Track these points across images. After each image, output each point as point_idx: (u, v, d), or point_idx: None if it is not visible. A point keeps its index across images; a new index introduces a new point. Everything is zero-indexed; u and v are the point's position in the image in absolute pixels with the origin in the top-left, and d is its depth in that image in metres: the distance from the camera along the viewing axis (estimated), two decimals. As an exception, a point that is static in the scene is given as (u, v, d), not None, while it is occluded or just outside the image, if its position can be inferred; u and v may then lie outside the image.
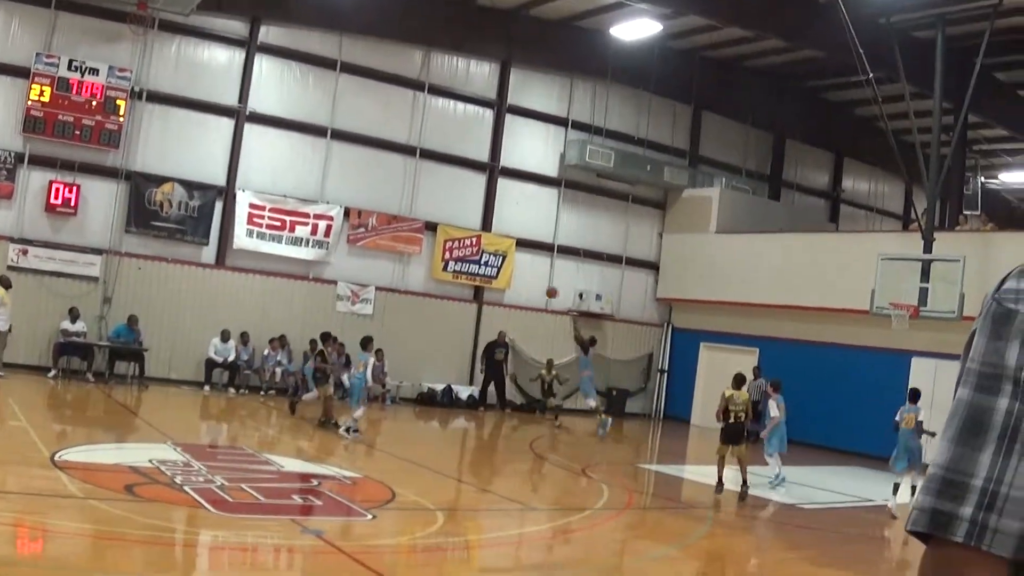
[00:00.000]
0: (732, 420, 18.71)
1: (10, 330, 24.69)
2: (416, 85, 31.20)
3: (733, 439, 18.72)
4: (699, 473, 21.05)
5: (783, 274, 31.33)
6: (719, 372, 31.93)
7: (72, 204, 27.05)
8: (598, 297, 33.63)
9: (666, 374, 35.54)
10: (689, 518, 17.15)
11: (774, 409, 20.52)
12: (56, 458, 14.48)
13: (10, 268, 26.20)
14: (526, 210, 33.18)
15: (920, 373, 27.28)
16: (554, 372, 29.55)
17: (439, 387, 30.69)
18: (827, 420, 29.36)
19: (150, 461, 14.84)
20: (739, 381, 19.52)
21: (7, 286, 24.78)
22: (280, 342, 28.47)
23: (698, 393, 33.69)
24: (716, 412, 19.10)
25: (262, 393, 28.13)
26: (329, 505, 13.96)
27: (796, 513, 18.50)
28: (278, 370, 28.40)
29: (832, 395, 29.56)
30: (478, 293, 32.57)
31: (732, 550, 14.91)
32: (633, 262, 35.39)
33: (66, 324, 26.55)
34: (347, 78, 30.04)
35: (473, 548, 13.30)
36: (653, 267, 35.88)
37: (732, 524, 17.32)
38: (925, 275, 26.20)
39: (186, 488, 13.25)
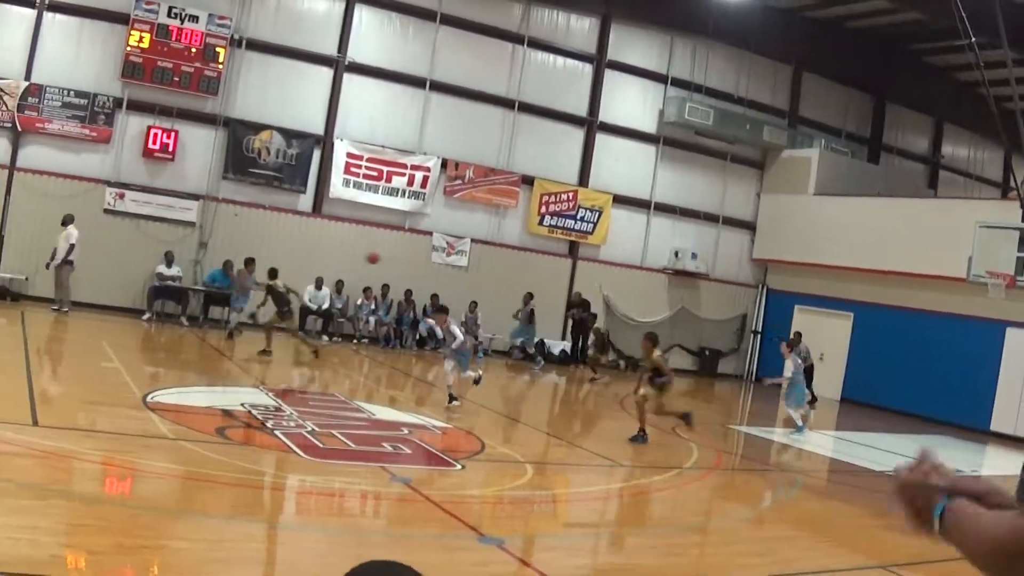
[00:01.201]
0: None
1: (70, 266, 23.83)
2: (516, 38, 28.99)
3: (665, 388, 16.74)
4: (789, 436, 20.16)
5: (880, 239, 28.86)
6: (812, 336, 30.08)
7: (170, 149, 25.71)
8: (694, 256, 31.29)
9: (759, 336, 33.23)
10: (778, 481, 16.17)
11: (788, 369, 20.02)
12: (148, 399, 13.98)
13: (106, 211, 25.35)
14: (623, 166, 30.83)
15: (1015, 344, 25.83)
16: (603, 329, 27.27)
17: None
18: (919, 387, 27.34)
19: (241, 405, 14.39)
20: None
21: (68, 223, 23.80)
22: (383, 291, 27.05)
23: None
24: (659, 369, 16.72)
25: (355, 342, 26.66)
26: (418, 454, 13.23)
27: (885, 481, 16.80)
28: (372, 319, 26.80)
29: (925, 362, 27.46)
30: (573, 248, 30.40)
31: (818, 515, 13.62)
32: (730, 221, 32.91)
33: (161, 268, 25.38)
34: (447, 30, 27.97)
35: (560, 502, 12.48)
36: (750, 227, 33.36)
37: (820, 489, 16.35)
38: (1023, 244, 24.00)
39: (276, 432, 12.80)
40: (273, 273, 22.34)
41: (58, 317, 22.72)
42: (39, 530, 7.66)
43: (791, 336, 22.13)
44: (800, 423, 20.09)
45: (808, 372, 22.05)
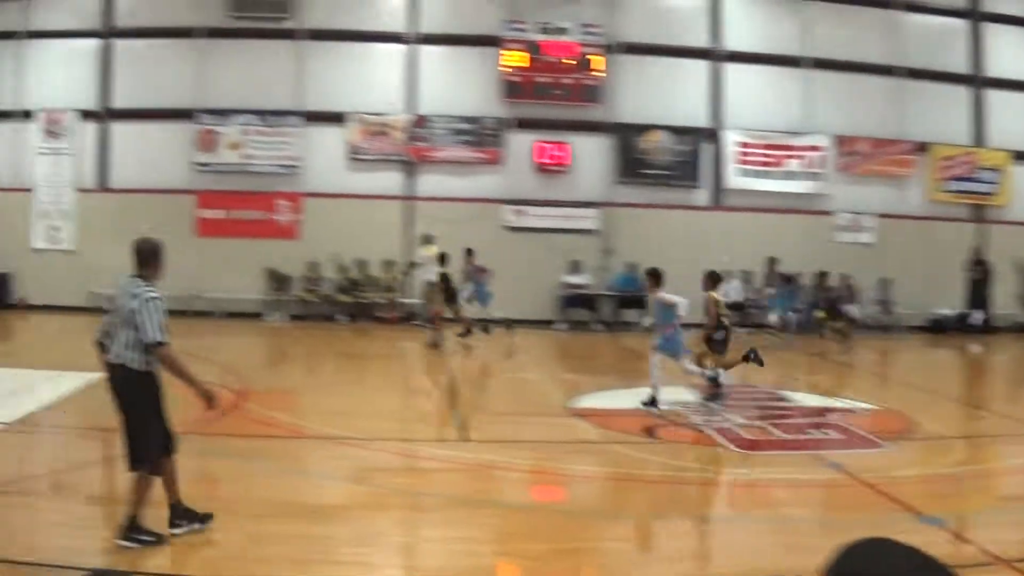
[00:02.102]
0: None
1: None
2: (886, 3, 27.00)
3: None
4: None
5: None
6: None
7: (562, 161, 25.44)
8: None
9: None
10: None
11: None
12: (572, 406, 14.23)
13: (507, 228, 25.43)
14: (1019, 121, 28.07)
15: None
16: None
17: (950, 313, 26.61)
18: None
19: (668, 403, 14.06)
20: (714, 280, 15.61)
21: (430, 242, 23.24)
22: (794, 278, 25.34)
23: None
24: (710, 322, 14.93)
25: (768, 331, 25.02)
26: (847, 438, 12.65)
27: None
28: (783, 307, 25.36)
29: None
30: (976, 211, 27.97)
31: None
32: None
33: (568, 277, 25.18)
34: (818, 5, 26.40)
35: (994, 476, 11.71)
36: None
37: None
38: None
39: (705, 428, 12.67)
40: (442, 259, 21.22)
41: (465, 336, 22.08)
42: (475, 540, 8.06)
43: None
44: None
45: None
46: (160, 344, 7.40)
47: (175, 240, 24.70)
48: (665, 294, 14.55)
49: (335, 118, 25.59)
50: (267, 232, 25.67)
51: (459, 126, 25.37)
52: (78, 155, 26.34)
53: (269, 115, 25.61)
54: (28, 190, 26.38)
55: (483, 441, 11.78)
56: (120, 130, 26.38)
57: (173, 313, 23.90)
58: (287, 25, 25.73)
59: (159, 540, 7.44)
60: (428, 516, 8.91)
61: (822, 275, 24.40)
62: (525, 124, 25.45)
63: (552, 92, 25.23)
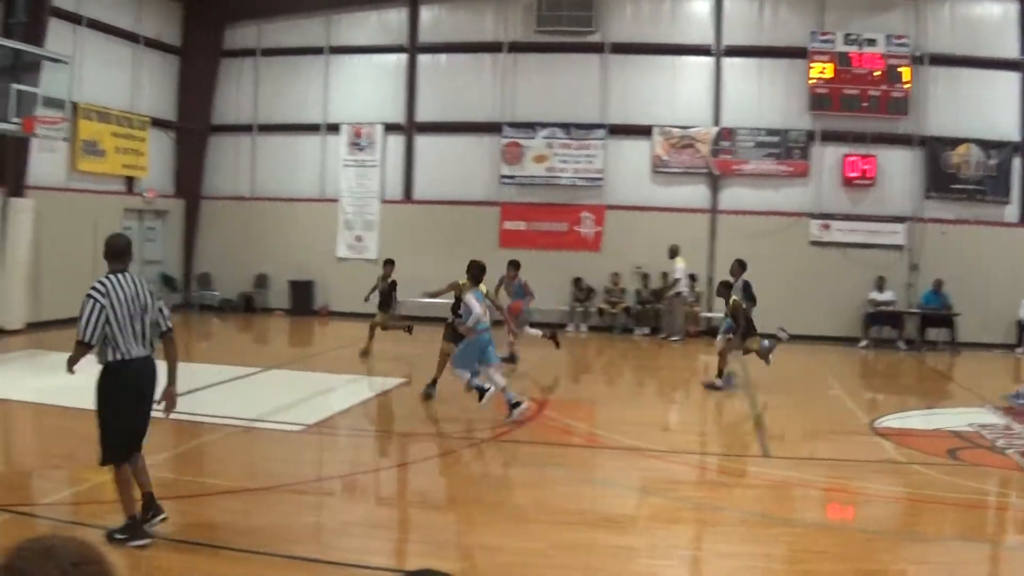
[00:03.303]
0: None
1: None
2: None
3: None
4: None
5: None
6: None
7: (869, 175, 25.12)
8: None
9: None
10: None
11: None
12: (876, 425, 14.02)
13: (812, 243, 25.34)
14: None
15: None
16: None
17: None
18: None
19: (970, 425, 13.91)
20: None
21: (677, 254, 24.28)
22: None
23: None
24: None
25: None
26: None
27: None
28: (1094, 329, 24.76)
29: None
30: None
31: None
32: None
33: (874, 294, 24.87)
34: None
35: None
36: None
37: None
38: None
39: (1008, 451, 12.23)
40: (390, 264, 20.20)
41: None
42: (771, 558, 7.98)
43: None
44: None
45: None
46: (172, 329, 7.84)
47: (478, 251, 25.61)
48: (470, 297, 13.34)
49: (639, 131, 25.88)
50: (569, 244, 26.18)
51: (764, 139, 25.37)
52: (383, 167, 27.14)
53: (574, 128, 26.01)
54: (334, 200, 27.30)
55: (782, 457, 11.76)
56: (424, 143, 27.16)
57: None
58: (592, 39, 26.06)
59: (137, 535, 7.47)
60: (724, 531, 8.85)
61: None
62: (831, 137, 25.28)
63: (860, 104, 24.99)
